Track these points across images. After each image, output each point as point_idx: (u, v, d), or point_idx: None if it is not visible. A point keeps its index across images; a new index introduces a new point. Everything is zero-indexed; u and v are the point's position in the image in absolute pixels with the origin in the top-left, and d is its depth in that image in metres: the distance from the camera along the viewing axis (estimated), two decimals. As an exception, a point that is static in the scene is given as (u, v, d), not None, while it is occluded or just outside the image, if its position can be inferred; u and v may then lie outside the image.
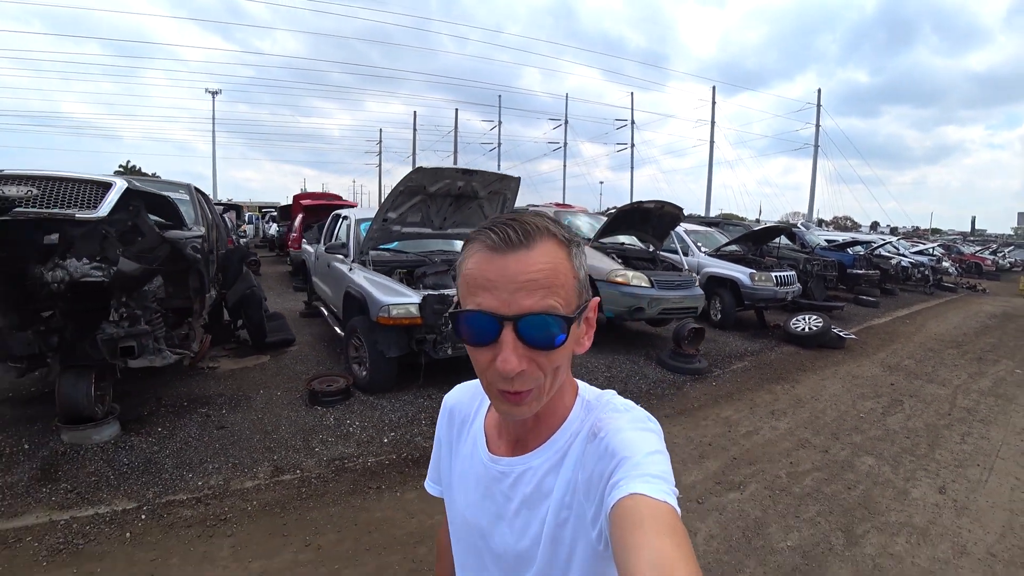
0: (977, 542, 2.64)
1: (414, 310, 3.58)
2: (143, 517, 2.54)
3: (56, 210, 3.26)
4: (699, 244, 8.34)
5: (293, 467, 3.09)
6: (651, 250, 6.80)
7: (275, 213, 19.18)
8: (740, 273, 7.41)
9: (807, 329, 7.02)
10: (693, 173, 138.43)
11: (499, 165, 42.23)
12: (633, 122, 42.97)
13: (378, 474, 3.07)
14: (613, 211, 8.04)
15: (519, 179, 4.36)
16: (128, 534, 2.40)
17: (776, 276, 7.53)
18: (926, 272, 14.14)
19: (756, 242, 8.86)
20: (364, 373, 4.06)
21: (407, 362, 4.06)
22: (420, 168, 3.92)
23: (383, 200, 4.21)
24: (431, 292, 3.75)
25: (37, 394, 4.03)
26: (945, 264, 16.46)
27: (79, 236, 3.42)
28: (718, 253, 8.29)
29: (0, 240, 3.19)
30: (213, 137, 38.19)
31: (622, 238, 7.16)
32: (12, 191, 3.27)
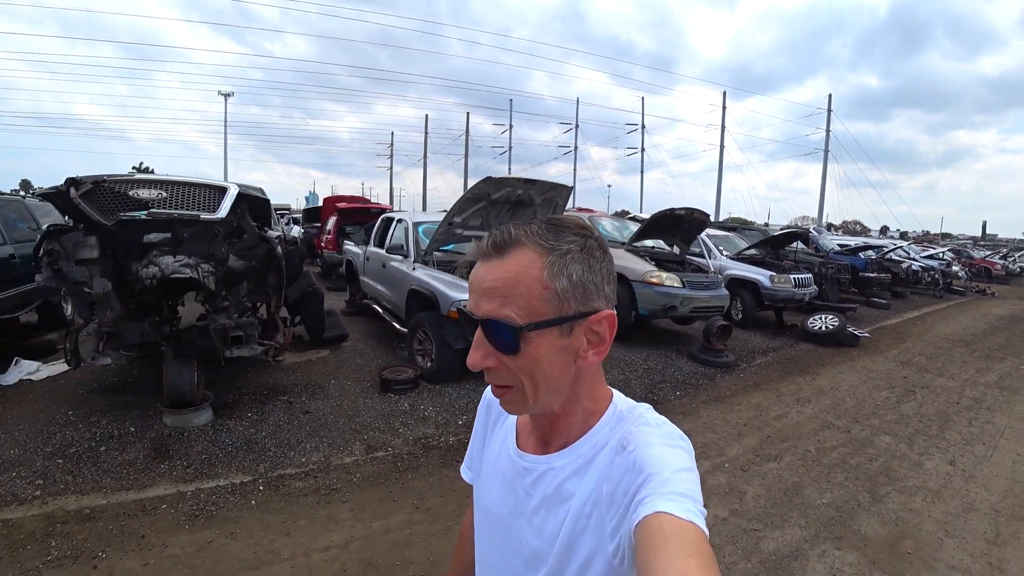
0: (983, 501, 3.12)
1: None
2: (261, 488, 2.94)
3: (184, 211, 3.79)
4: (720, 248, 8.83)
5: (383, 445, 3.56)
6: (678, 253, 7.29)
7: (298, 215, 19.73)
8: (760, 275, 7.88)
9: (824, 328, 7.49)
10: (701, 177, 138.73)
11: (509, 168, 42.64)
12: (644, 126, 43.13)
13: (460, 451, 3.57)
14: (629, 215, 8.48)
15: (571, 188, 4.89)
16: (253, 502, 2.80)
17: (794, 278, 8.01)
18: (936, 276, 14.53)
19: (774, 246, 9.33)
20: (429, 364, 4.55)
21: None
22: (488, 178, 4.44)
23: (451, 206, 4.72)
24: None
25: (121, 384, 4.43)
26: (955, 268, 16.83)
27: (189, 235, 3.92)
28: (739, 256, 8.78)
29: (116, 238, 3.69)
30: (225, 139, 37.89)
31: (649, 242, 7.67)
32: (146, 194, 3.80)
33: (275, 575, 2.24)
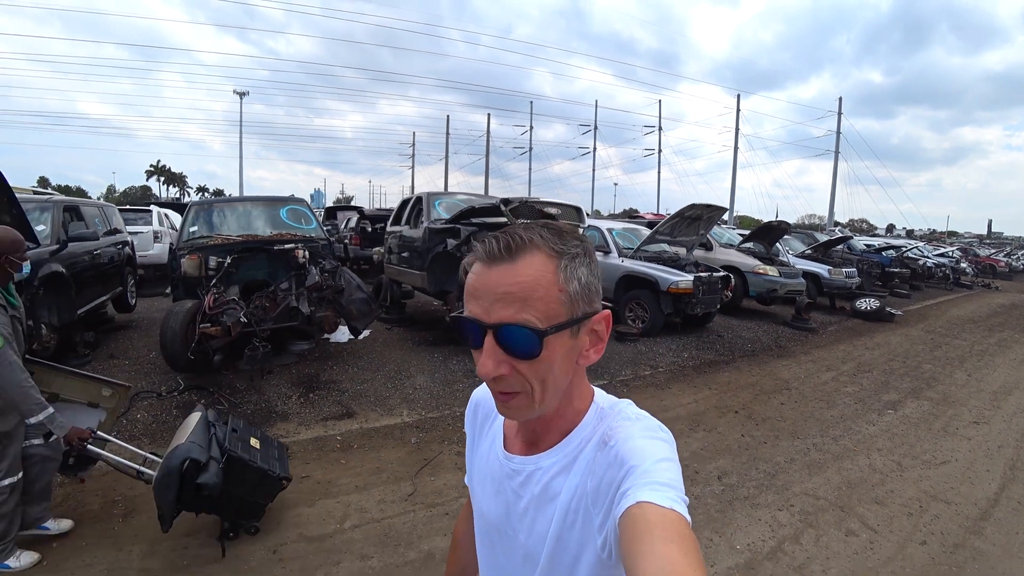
0: (987, 389, 5.80)
1: (688, 284, 6.79)
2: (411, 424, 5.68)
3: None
4: (787, 248, 11.51)
5: (647, 368, 6.22)
6: (764, 252, 9.98)
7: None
8: (821, 269, 10.57)
9: (868, 308, 10.17)
10: (706, 175, 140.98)
11: (530, 168, 44.48)
12: (661, 128, 44.92)
13: (681, 374, 6.24)
14: (638, 213, 11.06)
15: (725, 208, 7.54)
16: (409, 437, 5.53)
17: (845, 272, 10.70)
18: (947, 271, 17.18)
19: (826, 248, 12.03)
20: (641, 325, 7.21)
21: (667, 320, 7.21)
22: (696, 204, 7.12)
23: (660, 223, 7.41)
24: (701, 274, 6.97)
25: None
26: (963, 265, 19.47)
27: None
28: (801, 254, 11.47)
29: None
30: (240, 138, 37.85)
31: (746, 243, 10.35)
32: (552, 211, 6.39)
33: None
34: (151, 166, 78.57)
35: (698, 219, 7.54)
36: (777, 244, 11.43)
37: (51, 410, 2.18)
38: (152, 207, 12.08)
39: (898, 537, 2.77)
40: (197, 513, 2.42)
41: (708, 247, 9.55)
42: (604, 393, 0.72)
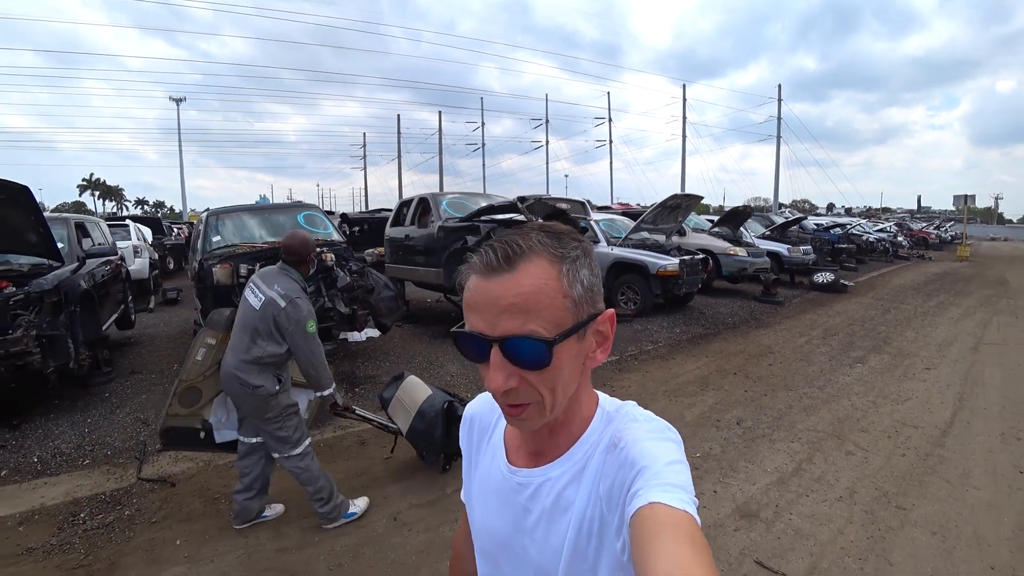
0: (932, 343, 6.77)
1: (675, 267, 7.51)
2: (615, 362, 6.36)
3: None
4: (748, 230, 12.50)
5: (648, 344, 6.91)
6: (731, 234, 10.88)
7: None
8: (782, 248, 11.60)
9: (824, 280, 11.27)
10: (653, 163, 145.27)
11: (483, 163, 44.39)
12: (611, 120, 45.82)
13: (679, 346, 6.96)
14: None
15: (701, 197, 8.31)
16: (616, 368, 6.24)
17: (803, 250, 11.77)
18: (886, 245, 18.82)
19: (783, 228, 13.12)
20: (632, 307, 7.91)
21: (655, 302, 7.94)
22: (676, 194, 7.83)
23: (645, 212, 8.07)
24: (684, 257, 7.70)
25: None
26: (900, 239, 21.29)
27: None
28: (761, 236, 12.49)
29: None
30: (180, 147, 35.58)
31: (704, 226, 11.22)
32: (564, 205, 6.87)
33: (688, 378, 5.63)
34: (84, 180, 74.27)
35: (677, 207, 8.29)
36: (741, 227, 12.42)
37: (334, 384, 2.68)
38: (128, 221, 11.93)
39: (884, 453, 3.51)
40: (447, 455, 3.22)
41: (682, 232, 10.35)
42: (608, 397, 0.71)
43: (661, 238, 8.76)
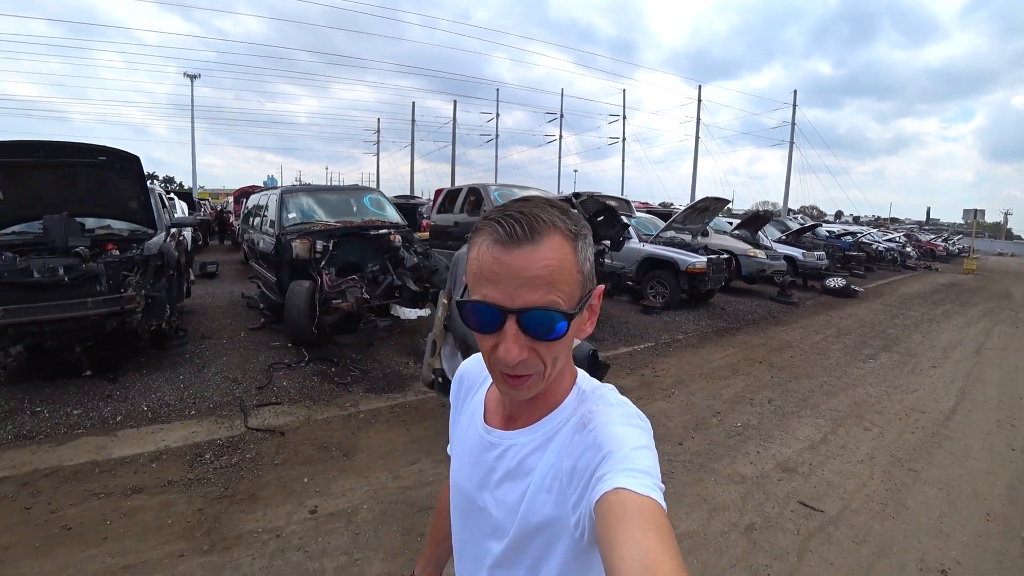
0: (938, 346, 7.35)
1: (703, 265, 8.08)
2: (664, 344, 6.95)
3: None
4: (766, 235, 13.05)
5: (679, 334, 7.49)
6: (752, 237, 11.43)
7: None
8: (797, 252, 12.15)
9: (836, 285, 11.83)
10: (665, 162, 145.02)
11: (496, 155, 44.02)
12: (625, 117, 45.53)
13: (707, 337, 7.55)
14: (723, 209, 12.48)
15: (729, 201, 8.85)
16: (673, 350, 6.82)
17: (816, 255, 12.32)
18: (895, 255, 19.34)
19: (798, 234, 13.66)
20: (661, 300, 8.48)
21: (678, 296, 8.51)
22: (707, 197, 8.37)
23: (677, 213, 8.62)
24: (711, 256, 8.27)
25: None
26: (908, 249, 21.80)
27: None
28: (777, 240, 13.04)
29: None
30: (192, 123, 35.31)
31: (724, 227, 11.76)
32: (612, 203, 7.56)
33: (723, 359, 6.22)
34: (95, 151, 74.14)
35: (706, 209, 8.84)
36: (762, 233, 12.97)
37: None
38: (173, 196, 12.43)
39: (896, 430, 4.11)
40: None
41: (704, 233, 10.91)
42: (587, 376, 0.73)
43: (687, 237, 9.32)
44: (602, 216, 6.70)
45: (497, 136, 44.96)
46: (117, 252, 5.01)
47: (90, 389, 4.21)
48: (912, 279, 17.11)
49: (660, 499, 0.53)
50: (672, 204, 22.48)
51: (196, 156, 35.60)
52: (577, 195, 6.28)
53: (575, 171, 61.80)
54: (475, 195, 7.75)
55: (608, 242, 7.16)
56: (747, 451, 3.61)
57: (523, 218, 0.57)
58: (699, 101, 42.03)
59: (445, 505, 0.90)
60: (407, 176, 47.25)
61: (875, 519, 2.84)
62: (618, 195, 7.48)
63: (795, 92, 41.24)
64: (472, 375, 0.84)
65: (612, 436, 0.59)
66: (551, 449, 0.65)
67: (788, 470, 3.37)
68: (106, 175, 5.07)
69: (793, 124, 41.09)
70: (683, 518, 2.76)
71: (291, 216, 6.64)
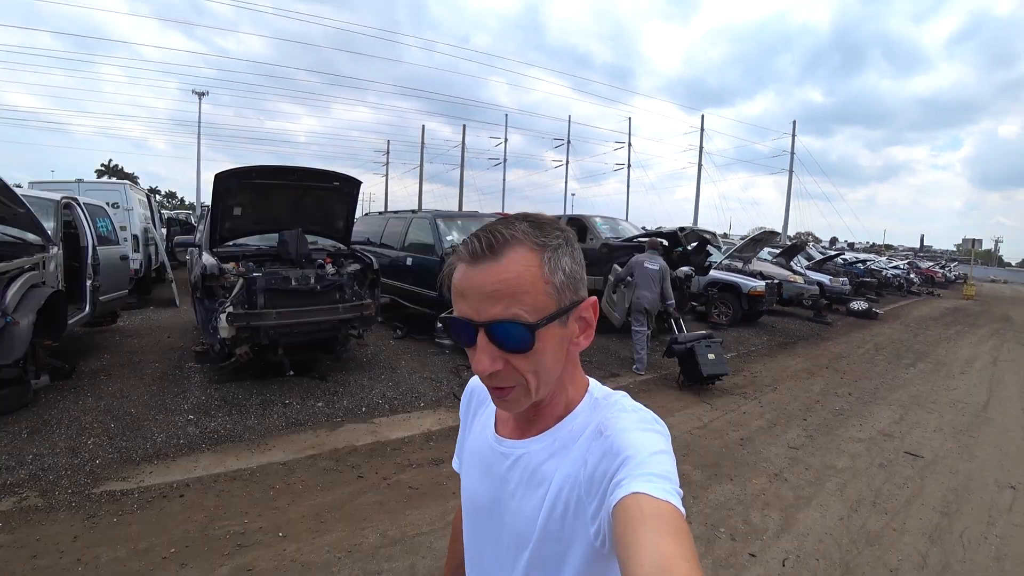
0: (960, 358, 8.85)
1: (763, 288, 9.59)
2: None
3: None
4: (798, 262, 14.66)
5: (753, 346, 8.96)
6: (787, 264, 13.01)
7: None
8: (824, 278, 13.74)
9: (859, 308, 13.40)
10: (658, 187, 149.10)
11: (504, 179, 44.74)
12: (630, 144, 46.79)
13: (774, 349, 8.99)
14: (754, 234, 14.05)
15: (779, 233, 10.40)
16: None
17: (840, 280, 13.93)
18: (902, 281, 21.03)
19: (823, 262, 15.31)
20: (725, 319, 9.97)
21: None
22: (765, 230, 9.93)
23: (738, 243, 10.20)
24: (770, 280, 9.79)
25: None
26: (911, 276, 23.52)
27: None
28: (807, 267, 14.66)
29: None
30: (199, 139, 35.03)
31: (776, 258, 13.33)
32: (706, 235, 9.04)
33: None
34: (102, 165, 75.17)
35: (759, 240, 10.41)
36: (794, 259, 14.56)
37: None
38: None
39: (950, 415, 5.57)
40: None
41: (748, 260, 12.48)
42: (600, 384, 0.73)
43: (739, 264, 10.86)
44: (697, 245, 8.22)
45: (505, 160, 46.41)
46: (332, 266, 5.54)
47: (309, 387, 4.85)
48: (919, 303, 18.77)
49: (678, 503, 0.53)
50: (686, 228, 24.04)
51: (191, 171, 35.08)
52: (682, 229, 7.79)
53: (572, 195, 63.54)
54: (578, 224, 9.25)
55: (689, 267, 8.67)
56: (853, 424, 5.06)
57: (484, 235, 0.60)
58: (702, 131, 43.30)
59: (459, 530, 0.89)
60: (409, 197, 48.16)
61: (958, 461, 4.29)
62: (708, 229, 9.01)
63: (794, 123, 43.25)
64: (483, 390, 0.84)
65: (629, 442, 0.59)
66: (569, 458, 0.66)
67: (888, 435, 4.82)
68: (329, 197, 5.58)
69: (792, 153, 42.57)
70: (835, 460, 4.19)
71: (448, 239, 7.65)
